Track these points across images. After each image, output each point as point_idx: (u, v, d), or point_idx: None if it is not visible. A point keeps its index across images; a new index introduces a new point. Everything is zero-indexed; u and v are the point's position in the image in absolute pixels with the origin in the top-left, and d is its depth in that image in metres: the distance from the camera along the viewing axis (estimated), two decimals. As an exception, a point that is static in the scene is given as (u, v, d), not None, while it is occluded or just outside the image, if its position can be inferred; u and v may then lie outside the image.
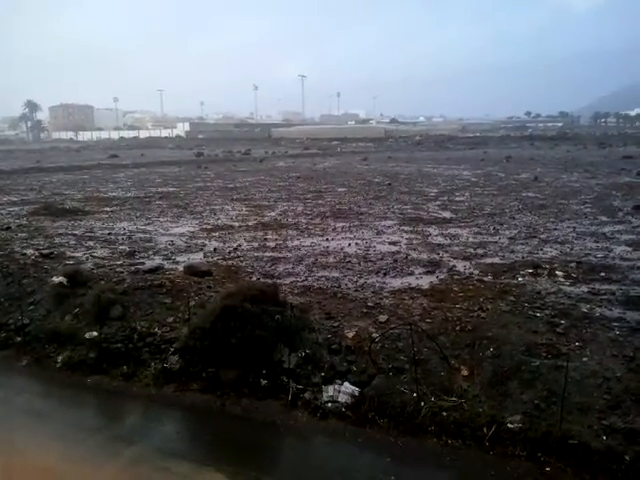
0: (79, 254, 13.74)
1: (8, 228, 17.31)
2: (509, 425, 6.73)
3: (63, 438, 7.27)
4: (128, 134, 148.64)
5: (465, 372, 7.60)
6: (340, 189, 27.76)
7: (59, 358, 9.37)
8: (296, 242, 15.01)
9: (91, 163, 48.86)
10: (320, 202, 22.99)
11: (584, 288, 10.48)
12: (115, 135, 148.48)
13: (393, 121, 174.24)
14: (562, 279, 11.08)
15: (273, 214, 20.00)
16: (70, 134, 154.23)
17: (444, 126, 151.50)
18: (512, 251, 13.64)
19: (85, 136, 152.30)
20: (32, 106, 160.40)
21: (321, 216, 19.36)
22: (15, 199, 25.29)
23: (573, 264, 12.17)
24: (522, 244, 14.44)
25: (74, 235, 16.33)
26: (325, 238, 15.54)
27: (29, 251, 13.88)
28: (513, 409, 6.94)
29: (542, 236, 15.44)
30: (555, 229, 16.49)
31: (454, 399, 7.22)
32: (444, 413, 7.06)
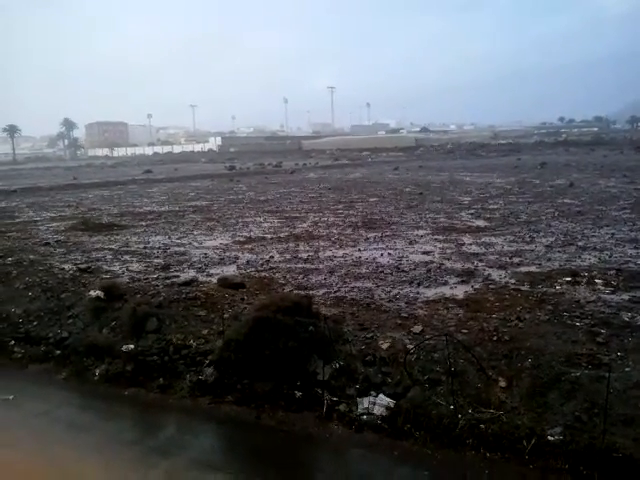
0: (115, 268, 13.99)
1: (47, 244, 17.74)
2: (549, 438, 6.55)
3: (102, 450, 7.38)
4: (162, 149, 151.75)
5: (503, 383, 7.44)
6: (371, 199, 27.70)
7: (97, 371, 9.52)
8: (328, 253, 15.00)
9: (126, 179, 49.84)
10: (351, 212, 22.97)
11: (625, 296, 10.19)
12: (149, 151, 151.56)
13: (424, 130, 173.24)
14: (601, 287, 10.80)
15: (305, 225, 20.05)
16: (105, 151, 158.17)
17: (475, 133, 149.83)
18: (549, 259, 13.36)
19: (120, 152, 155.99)
20: (69, 124, 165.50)
21: (353, 226, 19.32)
22: (53, 215, 25.93)
23: (612, 271, 11.85)
24: (559, 252, 14.14)
25: (110, 249, 16.64)
26: (357, 249, 15.49)
27: (67, 266, 14.19)
28: (553, 421, 6.75)
29: (580, 243, 15.10)
30: (593, 236, 16.11)
31: (492, 411, 7.07)
32: (482, 425, 6.91)
